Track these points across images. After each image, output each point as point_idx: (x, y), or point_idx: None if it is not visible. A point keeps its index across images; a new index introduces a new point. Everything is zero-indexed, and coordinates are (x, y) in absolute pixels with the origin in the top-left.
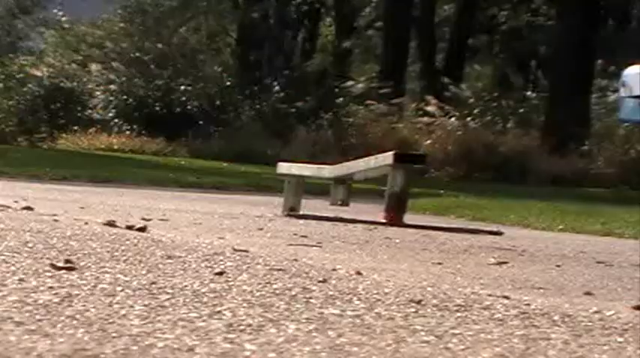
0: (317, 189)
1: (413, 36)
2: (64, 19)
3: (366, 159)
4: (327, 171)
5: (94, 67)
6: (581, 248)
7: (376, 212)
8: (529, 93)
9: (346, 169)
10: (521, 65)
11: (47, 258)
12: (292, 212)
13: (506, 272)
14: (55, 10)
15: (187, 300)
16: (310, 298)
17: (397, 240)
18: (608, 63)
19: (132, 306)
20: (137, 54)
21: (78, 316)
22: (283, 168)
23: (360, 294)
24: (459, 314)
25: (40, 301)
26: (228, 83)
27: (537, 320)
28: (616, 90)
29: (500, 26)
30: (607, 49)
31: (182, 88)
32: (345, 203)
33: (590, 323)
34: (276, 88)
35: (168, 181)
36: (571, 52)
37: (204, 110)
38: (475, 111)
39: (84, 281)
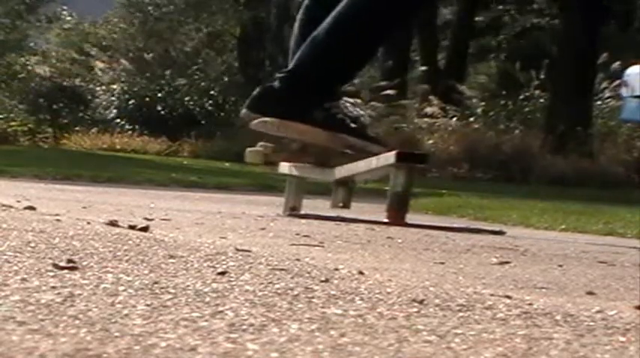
0: (319, 188)
1: (415, 36)
2: (68, 18)
3: (368, 159)
4: (328, 173)
5: (97, 66)
6: (583, 248)
7: (378, 211)
8: (537, 91)
9: (348, 171)
10: (524, 65)
11: (49, 258)
12: (293, 212)
13: (509, 272)
14: (58, 10)
15: (190, 300)
16: (312, 298)
17: (399, 240)
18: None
19: (134, 306)
20: (140, 53)
21: (80, 316)
22: (285, 168)
23: (363, 294)
24: (461, 313)
25: (43, 301)
26: (230, 83)
27: (539, 320)
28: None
29: (504, 26)
30: (610, 48)
31: (184, 87)
32: (346, 206)
33: (592, 323)
34: None
35: (170, 181)
36: (573, 51)
37: (206, 110)
38: (478, 110)
39: (86, 281)
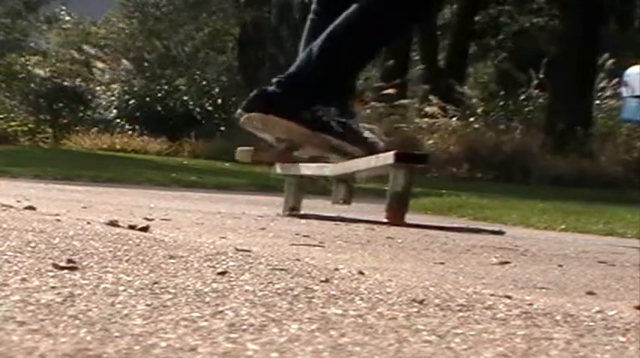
0: (318, 188)
1: (415, 36)
2: (67, 18)
3: (367, 158)
4: (327, 170)
5: (97, 66)
6: (583, 248)
7: (378, 212)
8: (537, 91)
9: (346, 168)
10: (523, 64)
11: (49, 258)
12: (293, 212)
13: (509, 272)
14: (57, 10)
15: (190, 300)
16: (312, 298)
17: (399, 240)
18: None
19: (134, 306)
20: (140, 53)
21: (80, 316)
22: (284, 168)
23: (363, 294)
24: (461, 313)
25: (43, 301)
26: (230, 83)
27: (539, 320)
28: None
29: (503, 26)
30: (609, 48)
31: (184, 87)
32: (346, 202)
33: (592, 323)
34: None
35: (170, 181)
36: (573, 51)
37: (206, 110)
38: (478, 110)
39: (86, 281)
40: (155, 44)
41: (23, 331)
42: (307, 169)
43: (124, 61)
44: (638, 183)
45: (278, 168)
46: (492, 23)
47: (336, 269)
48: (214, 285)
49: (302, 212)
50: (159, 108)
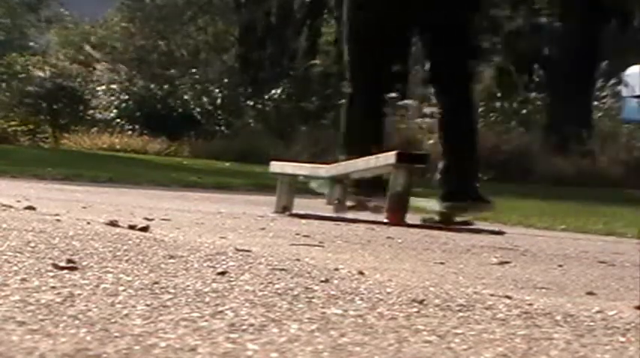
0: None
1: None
2: (67, 18)
3: (366, 158)
4: (323, 170)
5: (97, 66)
6: (583, 248)
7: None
8: (537, 92)
9: (343, 169)
10: (523, 65)
11: (49, 258)
12: (285, 211)
13: (509, 272)
14: (57, 10)
15: (189, 300)
16: (312, 298)
17: (399, 240)
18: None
19: (134, 306)
20: (140, 53)
21: (80, 316)
22: (276, 167)
23: (363, 294)
24: (461, 314)
25: (43, 301)
26: (230, 83)
27: (539, 320)
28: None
29: (502, 27)
30: (610, 48)
31: (184, 87)
32: (341, 202)
33: (592, 323)
34: (279, 89)
35: (170, 181)
36: (573, 51)
37: (206, 110)
38: (479, 110)
39: (86, 281)
40: (156, 44)
41: (23, 331)
42: (302, 170)
43: (122, 63)
44: (638, 183)
45: (272, 167)
46: (492, 23)
47: (336, 270)
48: (214, 285)
49: (302, 212)
50: (159, 108)
